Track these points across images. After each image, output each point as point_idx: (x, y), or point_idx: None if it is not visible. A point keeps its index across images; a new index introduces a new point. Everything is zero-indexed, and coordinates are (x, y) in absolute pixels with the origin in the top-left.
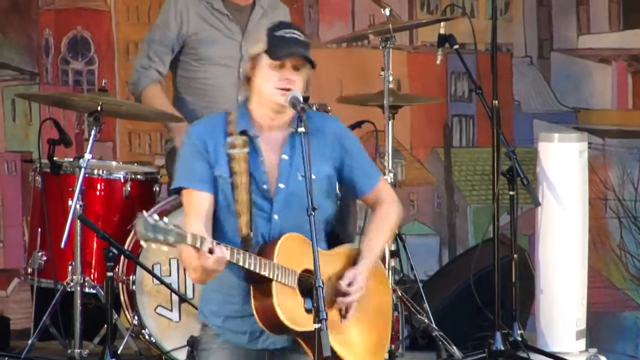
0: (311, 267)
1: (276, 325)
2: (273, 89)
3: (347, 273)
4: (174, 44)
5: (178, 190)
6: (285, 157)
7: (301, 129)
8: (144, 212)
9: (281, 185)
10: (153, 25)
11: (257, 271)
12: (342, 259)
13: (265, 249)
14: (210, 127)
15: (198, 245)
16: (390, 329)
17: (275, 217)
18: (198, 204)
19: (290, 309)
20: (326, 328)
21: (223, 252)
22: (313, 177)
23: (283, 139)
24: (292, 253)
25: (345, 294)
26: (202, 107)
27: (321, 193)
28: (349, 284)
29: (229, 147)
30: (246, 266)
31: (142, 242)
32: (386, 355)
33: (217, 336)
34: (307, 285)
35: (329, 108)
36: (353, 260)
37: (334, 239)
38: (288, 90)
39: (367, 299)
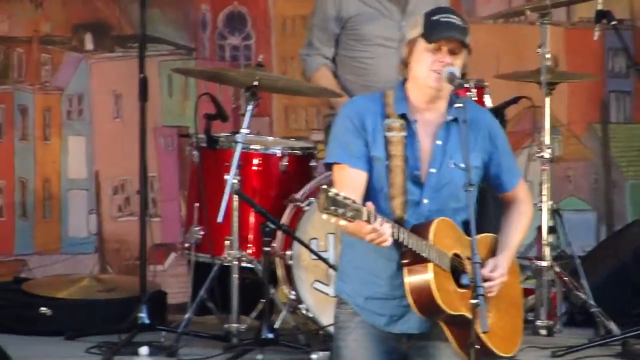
0: (460, 252)
1: (429, 307)
2: (427, 71)
3: (489, 261)
4: (334, 27)
5: (330, 166)
6: (439, 142)
7: (458, 105)
8: (325, 186)
9: (432, 170)
10: (313, 9)
11: (418, 252)
12: (482, 247)
13: (418, 231)
14: (368, 106)
15: (372, 221)
16: (522, 321)
17: (425, 201)
18: (351, 181)
19: (445, 291)
20: (483, 304)
21: (390, 229)
22: (462, 165)
23: (438, 124)
24: (444, 237)
25: (487, 280)
26: (361, 85)
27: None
28: (491, 271)
29: (387, 130)
30: (409, 246)
31: (323, 215)
32: (544, 332)
33: (355, 315)
34: (457, 269)
35: (486, 83)
36: (492, 249)
37: (467, 229)
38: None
39: (502, 289)
